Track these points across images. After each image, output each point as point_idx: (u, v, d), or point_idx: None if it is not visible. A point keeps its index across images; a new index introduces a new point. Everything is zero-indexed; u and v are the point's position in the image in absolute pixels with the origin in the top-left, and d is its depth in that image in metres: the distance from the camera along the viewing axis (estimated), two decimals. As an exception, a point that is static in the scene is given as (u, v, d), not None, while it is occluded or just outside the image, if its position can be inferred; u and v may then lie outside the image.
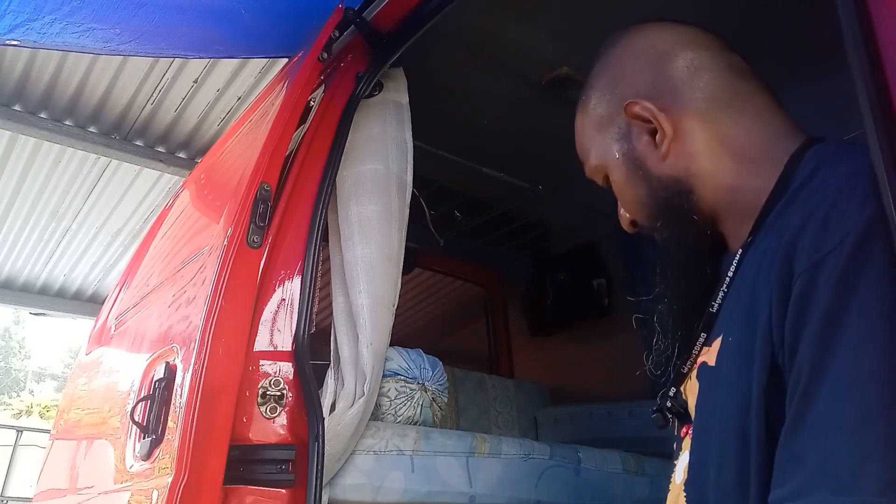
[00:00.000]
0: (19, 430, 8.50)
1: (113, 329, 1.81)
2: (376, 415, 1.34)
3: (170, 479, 0.95)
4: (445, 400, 1.50)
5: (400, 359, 1.41)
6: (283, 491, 1.03)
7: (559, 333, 2.65)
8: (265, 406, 1.08)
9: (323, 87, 1.46)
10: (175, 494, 0.92)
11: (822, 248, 0.56)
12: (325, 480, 1.07)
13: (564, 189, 2.23)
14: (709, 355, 0.71)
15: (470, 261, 2.86)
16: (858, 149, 0.61)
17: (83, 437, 1.68)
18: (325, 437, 1.05)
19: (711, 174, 0.75)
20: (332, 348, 1.33)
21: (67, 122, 3.31)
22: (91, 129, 3.37)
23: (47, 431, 3.11)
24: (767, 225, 0.67)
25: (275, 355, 1.13)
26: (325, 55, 1.39)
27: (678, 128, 0.76)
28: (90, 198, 4.00)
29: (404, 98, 1.51)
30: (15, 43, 1.40)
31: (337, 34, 1.44)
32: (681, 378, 0.76)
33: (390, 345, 1.37)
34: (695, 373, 0.74)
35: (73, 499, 1.52)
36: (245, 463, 1.03)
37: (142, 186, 3.92)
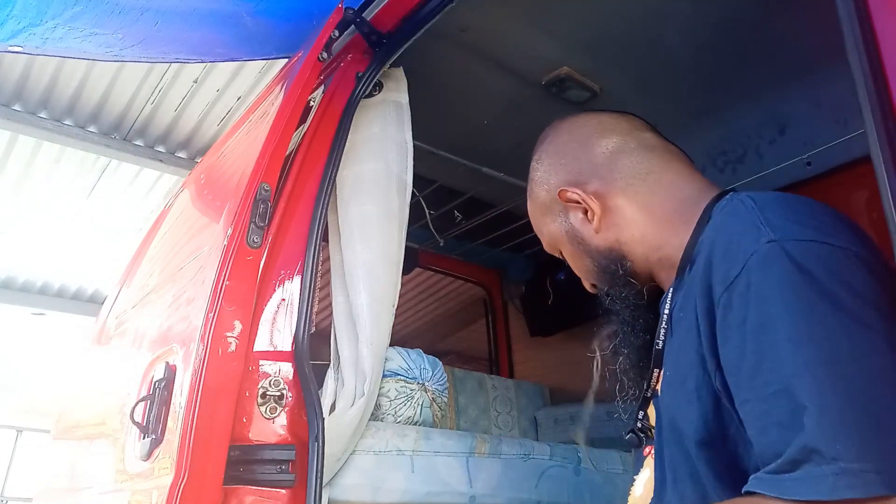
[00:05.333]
0: (19, 430, 8.49)
1: (113, 329, 1.81)
2: (376, 415, 1.34)
3: (169, 480, 0.94)
4: (445, 400, 1.50)
5: (400, 359, 1.40)
6: (283, 491, 1.02)
7: (559, 334, 2.65)
8: (265, 406, 1.08)
9: (323, 87, 1.46)
10: (175, 495, 0.92)
11: (730, 275, 0.66)
12: (325, 480, 1.07)
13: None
14: (660, 385, 0.83)
15: (470, 261, 2.86)
16: (747, 195, 0.75)
17: (83, 438, 1.68)
18: (325, 437, 1.05)
19: (639, 239, 0.88)
20: (332, 348, 1.33)
21: (67, 122, 3.31)
22: (91, 129, 3.37)
23: (47, 431, 3.11)
24: (687, 270, 0.79)
25: (275, 355, 1.13)
26: (325, 55, 1.39)
27: (605, 205, 0.90)
28: (90, 197, 4.00)
29: (404, 98, 1.51)
30: (18, 49, 1.40)
31: (337, 34, 1.44)
32: (645, 402, 0.87)
33: (390, 345, 1.37)
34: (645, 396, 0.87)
35: (72, 499, 1.52)
36: (245, 463, 1.03)
37: (142, 186, 3.92)
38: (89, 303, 5.26)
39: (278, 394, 1.09)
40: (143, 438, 1.12)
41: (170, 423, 1.08)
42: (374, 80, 1.45)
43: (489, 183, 2.22)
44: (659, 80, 1.74)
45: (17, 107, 3.18)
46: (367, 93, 1.44)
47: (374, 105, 1.47)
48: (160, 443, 1.09)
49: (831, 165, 1.73)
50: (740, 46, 1.60)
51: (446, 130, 1.95)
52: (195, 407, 0.98)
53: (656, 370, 0.83)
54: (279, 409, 1.08)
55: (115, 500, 1.23)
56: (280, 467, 1.04)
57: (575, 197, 0.91)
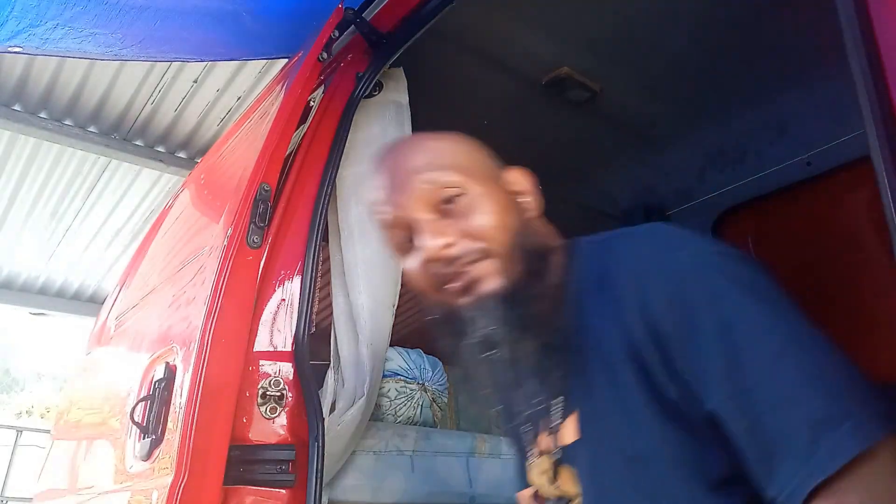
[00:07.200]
0: (19, 430, 8.49)
1: (113, 329, 1.81)
2: (376, 415, 1.34)
3: (170, 480, 0.94)
4: (445, 400, 1.50)
5: (400, 359, 1.41)
6: (283, 491, 1.02)
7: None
8: (265, 406, 1.08)
9: (323, 87, 1.46)
10: (175, 495, 0.92)
11: (667, 293, 0.67)
12: (325, 480, 1.07)
13: (564, 189, 2.23)
14: (562, 435, 0.78)
15: (470, 261, 2.85)
16: (623, 230, 0.80)
17: (83, 438, 1.68)
18: (325, 438, 1.05)
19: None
20: (332, 348, 1.33)
21: (67, 122, 3.31)
22: (91, 129, 3.37)
23: (47, 431, 3.11)
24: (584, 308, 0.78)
25: (275, 355, 1.13)
26: (325, 55, 1.39)
27: None
28: (90, 197, 4.00)
29: (404, 98, 1.51)
30: (17, 50, 1.40)
31: (337, 34, 1.44)
32: (558, 466, 0.81)
33: (390, 345, 1.37)
34: (553, 460, 0.81)
35: (72, 499, 1.52)
36: (245, 463, 1.03)
37: (141, 186, 3.92)
38: (89, 303, 5.26)
39: (278, 394, 1.09)
40: (143, 438, 1.12)
41: (170, 424, 1.08)
42: (374, 80, 1.45)
43: (489, 183, 2.22)
44: (659, 80, 1.74)
45: (17, 107, 3.18)
46: (367, 93, 1.44)
47: (374, 105, 1.47)
48: (160, 443, 1.09)
49: (831, 165, 1.73)
50: (741, 46, 1.60)
51: (446, 130, 1.95)
52: (195, 407, 0.98)
53: (559, 418, 0.78)
54: (279, 409, 1.08)
55: (115, 500, 1.23)
56: (280, 467, 1.04)
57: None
